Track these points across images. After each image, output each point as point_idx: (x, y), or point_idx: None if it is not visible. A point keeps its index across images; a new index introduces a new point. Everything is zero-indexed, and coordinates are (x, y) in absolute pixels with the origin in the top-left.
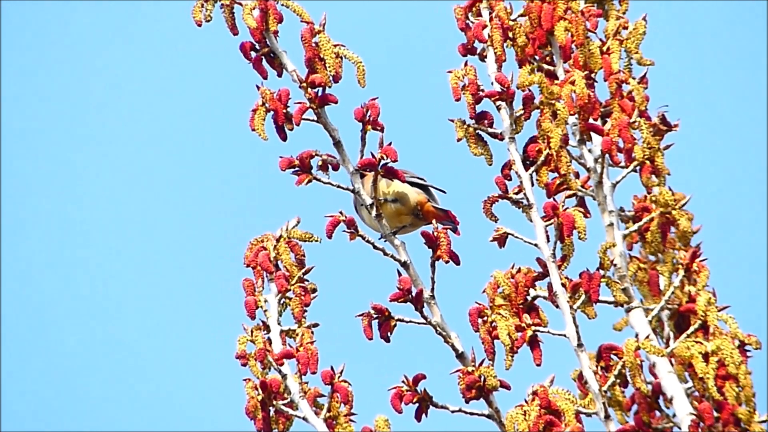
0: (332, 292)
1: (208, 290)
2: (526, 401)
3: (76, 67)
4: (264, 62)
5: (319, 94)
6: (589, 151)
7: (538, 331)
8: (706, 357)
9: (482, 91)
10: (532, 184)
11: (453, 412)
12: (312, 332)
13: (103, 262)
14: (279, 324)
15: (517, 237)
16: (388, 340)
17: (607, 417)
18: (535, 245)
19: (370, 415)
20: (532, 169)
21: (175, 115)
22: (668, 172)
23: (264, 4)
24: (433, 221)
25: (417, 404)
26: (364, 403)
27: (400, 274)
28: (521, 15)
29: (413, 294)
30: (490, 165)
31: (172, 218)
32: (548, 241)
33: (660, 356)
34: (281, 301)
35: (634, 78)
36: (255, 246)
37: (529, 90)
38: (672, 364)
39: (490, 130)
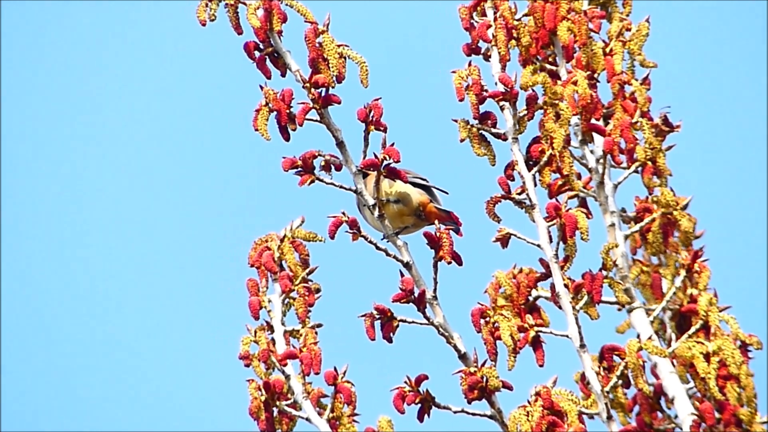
0: (335, 293)
1: (212, 290)
2: (529, 402)
3: (78, 66)
4: (268, 62)
5: (323, 94)
6: (591, 151)
7: (541, 331)
8: (707, 357)
9: (486, 91)
10: (535, 185)
11: (455, 412)
12: (315, 333)
13: (106, 262)
14: (283, 324)
15: (519, 237)
16: (390, 340)
17: (610, 418)
18: (538, 246)
19: (373, 416)
20: (535, 169)
21: (178, 114)
22: (670, 173)
23: (268, 4)
24: (436, 222)
25: (419, 405)
26: (367, 403)
27: (402, 275)
28: (526, 15)
29: (416, 295)
30: (493, 165)
31: (175, 218)
32: (551, 241)
33: (662, 357)
34: (285, 302)
35: (636, 79)
36: (259, 246)
37: (533, 90)
38: (674, 365)
39: (493, 130)
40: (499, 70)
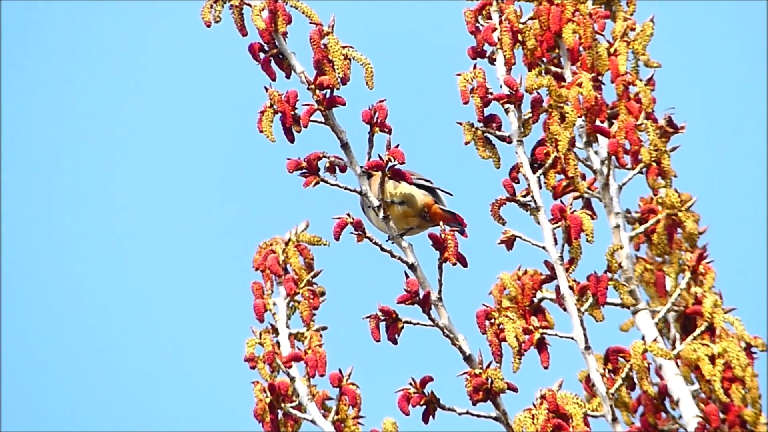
0: (340, 295)
1: (217, 293)
2: (534, 405)
3: (80, 68)
4: (272, 64)
5: (327, 95)
6: (596, 152)
7: (546, 333)
8: (712, 359)
9: (491, 94)
10: (540, 187)
11: (460, 414)
12: (320, 335)
13: (111, 266)
14: (288, 327)
15: (524, 239)
16: (395, 342)
17: (614, 420)
18: (543, 248)
19: (378, 418)
20: (540, 172)
21: (183, 116)
22: (674, 174)
23: (273, 6)
24: (441, 223)
25: (424, 406)
26: (372, 405)
27: (407, 276)
28: (531, 18)
29: (420, 296)
30: (498, 168)
31: (180, 221)
32: (556, 243)
33: (667, 359)
34: (290, 304)
35: (641, 80)
36: (264, 249)
37: (538, 93)
38: (678, 366)
39: (498, 133)
40: (504, 72)
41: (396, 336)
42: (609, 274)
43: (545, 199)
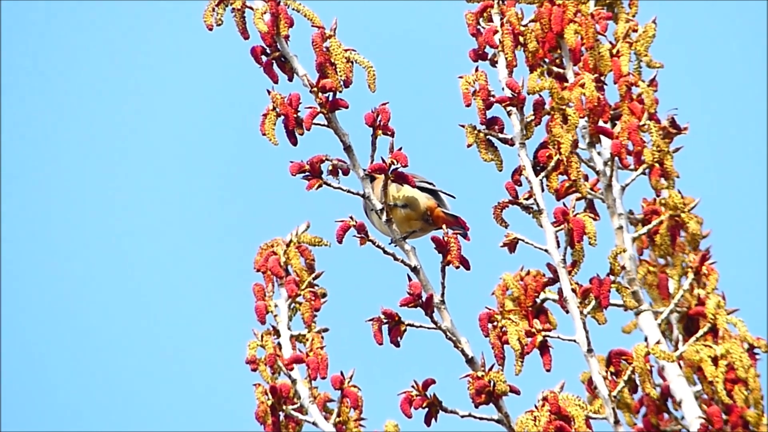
0: (342, 297)
1: (218, 295)
2: (536, 407)
3: (81, 69)
4: (275, 66)
5: (330, 98)
6: (599, 153)
7: (548, 336)
8: (715, 360)
9: (493, 96)
10: (543, 190)
11: (462, 416)
12: (322, 337)
13: (112, 267)
14: (289, 329)
15: (527, 242)
16: (398, 344)
17: (617, 422)
18: (546, 251)
19: (380, 420)
20: (543, 174)
21: (185, 118)
22: (677, 175)
23: (275, 9)
24: (443, 226)
25: (427, 409)
26: (374, 407)
27: (410, 279)
28: (532, 20)
29: (423, 299)
30: (501, 170)
31: (181, 222)
32: (558, 246)
33: (670, 362)
34: (291, 306)
35: (643, 81)
36: (265, 251)
37: (540, 95)
38: (681, 368)
39: (500, 135)
40: (506, 75)
41: (399, 339)
42: (612, 277)
43: (548, 202)
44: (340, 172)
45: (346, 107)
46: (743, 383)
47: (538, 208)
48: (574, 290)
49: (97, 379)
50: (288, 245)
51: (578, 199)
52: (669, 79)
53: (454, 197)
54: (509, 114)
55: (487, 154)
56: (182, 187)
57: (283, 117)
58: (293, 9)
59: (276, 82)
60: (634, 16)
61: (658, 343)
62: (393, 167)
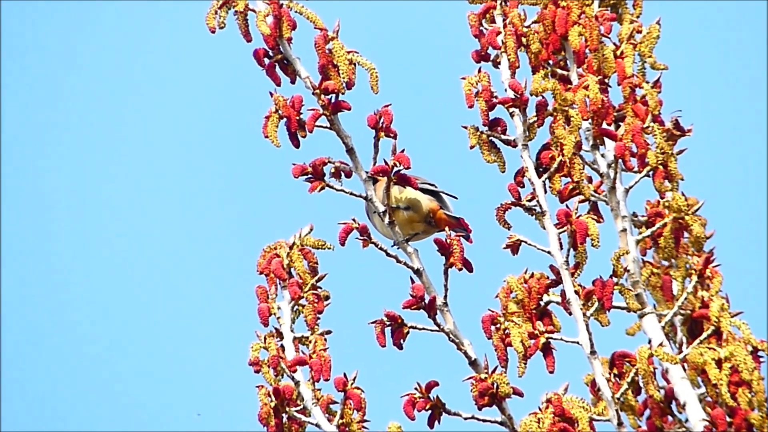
0: (345, 300)
1: (221, 297)
2: (540, 409)
3: (82, 69)
4: (277, 69)
5: (333, 100)
6: (602, 156)
7: (551, 338)
8: (719, 363)
9: (495, 97)
10: (545, 191)
11: (466, 419)
12: (325, 339)
13: (115, 269)
14: (292, 331)
15: (530, 244)
16: (401, 347)
17: (620, 424)
18: (548, 252)
19: (383, 422)
20: (545, 176)
21: (188, 121)
22: (681, 178)
23: (278, 11)
24: (446, 228)
25: (430, 411)
26: (377, 410)
27: (413, 282)
28: (535, 21)
29: (426, 301)
30: (503, 172)
31: (184, 225)
32: (561, 248)
33: (673, 364)
34: (294, 308)
35: (647, 82)
36: (268, 253)
37: (543, 97)
38: (685, 370)
39: (503, 137)
40: (509, 76)
41: (401, 341)
42: (615, 279)
43: (550, 204)
44: (342, 174)
45: (349, 109)
46: (747, 386)
47: (540, 210)
48: (577, 292)
49: (100, 380)
50: (291, 248)
51: (582, 201)
52: (673, 81)
53: (456, 198)
54: (512, 115)
55: (490, 156)
56: (185, 190)
57: (285, 119)
58: (296, 11)
59: (278, 85)
60: (638, 17)
61: (661, 344)
62: (395, 169)
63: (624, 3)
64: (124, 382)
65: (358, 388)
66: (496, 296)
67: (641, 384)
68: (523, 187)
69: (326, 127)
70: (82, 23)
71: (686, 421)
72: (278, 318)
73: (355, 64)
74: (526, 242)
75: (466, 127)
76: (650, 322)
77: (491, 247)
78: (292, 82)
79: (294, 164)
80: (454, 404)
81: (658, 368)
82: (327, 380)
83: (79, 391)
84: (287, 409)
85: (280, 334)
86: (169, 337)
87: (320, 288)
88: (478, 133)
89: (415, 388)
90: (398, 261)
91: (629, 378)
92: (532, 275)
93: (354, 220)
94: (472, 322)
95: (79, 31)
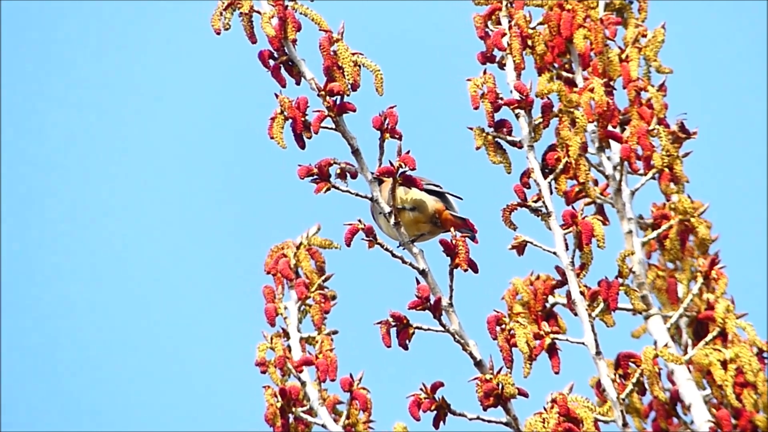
0: (351, 300)
1: (228, 297)
2: (545, 409)
3: (82, 69)
4: (282, 70)
5: (338, 102)
6: (608, 158)
7: (557, 339)
8: (724, 364)
9: (501, 99)
10: (551, 192)
11: (471, 419)
12: (331, 339)
13: (121, 269)
14: (299, 331)
15: (535, 245)
16: (406, 347)
17: (625, 425)
18: (554, 253)
19: (389, 422)
20: (551, 177)
21: (193, 122)
22: (687, 180)
23: (283, 13)
24: (452, 229)
25: (435, 411)
26: (383, 410)
27: (418, 282)
28: (540, 23)
29: (431, 302)
30: (509, 173)
31: (191, 226)
32: (567, 249)
33: (678, 365)
34: (301, 308)
35: (653, 85)
36: (275, 253)
37: (548, 98)
38: (690, 372)
39: (508, 138)
40: (514, 78)
41: (407, 341)
42: (620, 280)
43: (556, 205)
44: (348, 175)
45: (354, 110)
46: (752, 387)
47: (546, 211)
48: (582, 293)
49: (103, 380)
50: (298, 248)
51: (587, 203)
52: (678, 84)
53: (461, 198)
54: (517, 117)
55: (496, 157)
56: (191, 191)
57: (291, 120)
58: (301, 13)
59: (284, 86)
60: (643, 21)
61: (666, 346)
62: (401, 170)
63: (629, 7)
64: (128, 383)
65: (364, 389)
66: (502, 298)
67: (646, 385)
68: (529, 188)
69: (331, 129)
70: (83, 24)
71: (691, 422)
72: (285, 318)
73: (360, 66)
74: (531, 243)
75: (471, 129)
76: (656, 324)
77: (497, 248)
78: (297, 83)
79: (300, 165)
80: (459, 405)
81: (663, 369)
82: (333, 380)
83: (79, 391)
84: (294, 409)
85: (286, 334)
86: (176, 338)
87: (327, 288)
88: (484, 134)
89: (421, 389)
90: (404, 262)
91: (634, 379)
92: (537, 277)
93: (360, 221)
94: (478, 322)
95: (81, 31)
